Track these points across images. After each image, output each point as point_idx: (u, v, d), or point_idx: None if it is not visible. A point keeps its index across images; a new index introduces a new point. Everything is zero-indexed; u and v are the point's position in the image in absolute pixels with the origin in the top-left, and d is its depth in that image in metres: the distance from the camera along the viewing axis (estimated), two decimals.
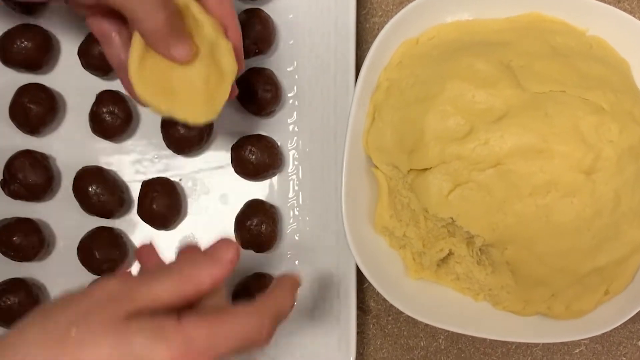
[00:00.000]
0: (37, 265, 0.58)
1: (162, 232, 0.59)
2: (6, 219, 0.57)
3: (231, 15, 0.48)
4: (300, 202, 0.59)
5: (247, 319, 0.39)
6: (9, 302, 0.55)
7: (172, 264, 0.40)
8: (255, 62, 0.59)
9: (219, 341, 0.37)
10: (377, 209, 0.55)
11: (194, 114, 0.47)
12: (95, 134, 0.58)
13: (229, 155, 0.58)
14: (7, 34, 0.56)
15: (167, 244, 0.59)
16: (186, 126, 0.56)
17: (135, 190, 0.58)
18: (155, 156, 0.59)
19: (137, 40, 0.45)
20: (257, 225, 0.57)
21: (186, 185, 0.59)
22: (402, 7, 0.53)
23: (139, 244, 0.56)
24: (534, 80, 0.50)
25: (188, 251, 0.42)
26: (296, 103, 0.59)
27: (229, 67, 0.47)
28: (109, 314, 0.36)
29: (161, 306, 0.37)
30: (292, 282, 0.44)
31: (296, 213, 0.59)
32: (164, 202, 0.56)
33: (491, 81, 0.50)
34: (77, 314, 0.36)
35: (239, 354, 0.39)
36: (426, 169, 0.50)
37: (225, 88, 0.47)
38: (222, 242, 0.41)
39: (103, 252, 0.56)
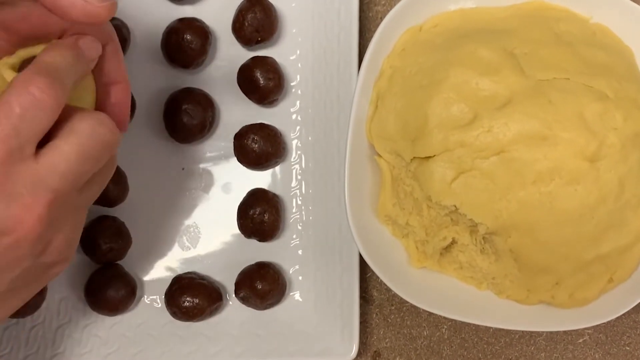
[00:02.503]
0: None
1: (163, 223, 0.59)
2: None
3: (118, 70, 0.46)
4: (303, 191, 0.59)
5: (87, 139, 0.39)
6: None
7: None
8: (258, 50, 0.59)
9: (61, 178, 0.38)
10: (380, 197, 0.54)
11: None
12: None
13: (232, 144, 0.58)
14: None
15: (169, 234, 0.59)
16: (188, 115, 0.56)
17: (136, 180, 0.58)
18: (158, 145, 0.59)
19: None
20: (260, 214, 0.57)
21: (189, 175, 0.59)
22: None
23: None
24: (537, 68, 0.50)
25: None
26: (299, 92, 0.59)
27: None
28: None
29: None
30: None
31: (299, 202, 0.59)
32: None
33: (495, 68, 0.50)
34: None
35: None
36: (429, 157, 0.50)
37: None
38: None
39: (106, 241, 0.56)
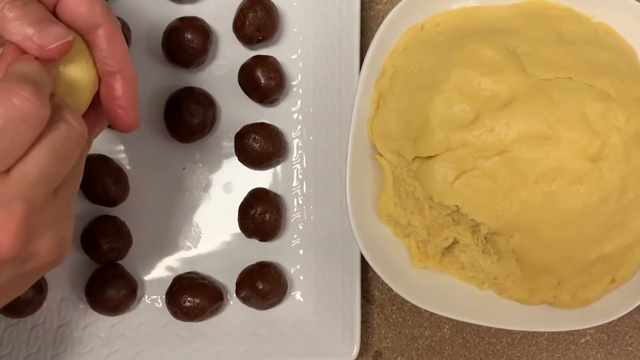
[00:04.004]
0: None
1: (164, 223, 0.59)
2: None
3: (118, 59, 0.42)
4: (305, 190, 0.59)
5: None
6: None
7: None
8: (259, 49, 0.58)
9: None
10: (382, 197, 0.54)
11: None
12: None
13: (233, 143, 0.58)
14: None
15: (170, 234, 0.59)
16: (189, 114, 0.56)
17: (137, 180, 0.58)
18: (159, 144, 0.59)
19: None
20: (261, 214, 0.56)
21: (189, 174, 0.59)
22: None
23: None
24: (540, 67, 0.50)
25: None
26: (300, 91, 0.59)
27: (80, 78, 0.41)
28: None
29: None
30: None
31: (300, 202, 0.59)
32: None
33: (497, 68, 0.49)
34: None
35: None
36: (431, 157, 0.50)
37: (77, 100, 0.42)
38: None
39: (107, 241, 0.56)
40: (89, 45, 0.42)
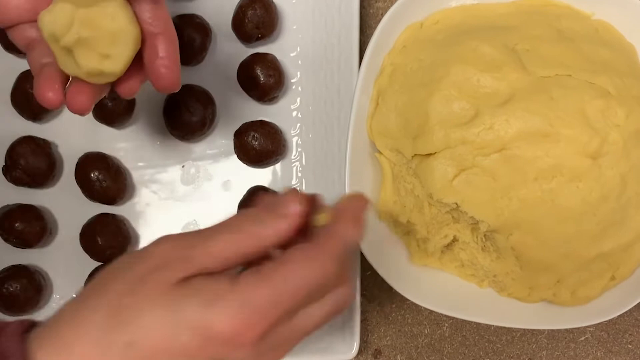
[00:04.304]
0: (39, 251, 0.58)
1: (163, 220, 0.59)
2: (8, 205, 0.56)
3: (163, 21, 0.44)
4: (304, 188, 0.59)
5: (307, 266, 0.35)
6: (11, 289, 0.55)
7: (231, 219, 0.38)
8: (258, 47, 0.58)
9: (281, 298, 0.35)
10: (381, 194, 0.54)
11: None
12: (98, 120, 0.57)
13: (232, 141, 0.58)
14: None
15: (169, 232, 0.58)
16: (188, 112, 0.56)
17: (135, 178, 0.58)
18: (158, 142, 0.59)
19: None
20: None
21: (189, 172, 0.59)
22: None
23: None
24: (539, 64, 0.50)
25: (250, 205, 0.39)
26: (299, 89, 0.59)
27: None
28: (162, 280, 0.34)
29: (220, 266, 0.36)
30: (355, 206, 0.40)
31: None
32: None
33: (496, 65, 0.49)
34: (130, 282, 0.35)
35: (310, 307, 0.37)
36: (430, 154, 0.50)
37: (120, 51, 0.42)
38: (287, 195, 0.37)
39: (106, 239, 0.56)
40: (135, 8, 0.43)
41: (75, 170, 0.57)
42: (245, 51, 0.58)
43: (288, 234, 0.37)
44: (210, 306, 0.34)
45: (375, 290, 0.60)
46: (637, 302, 0.51)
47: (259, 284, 0.35)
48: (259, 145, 0.56)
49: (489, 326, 0.60)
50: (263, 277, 0.35)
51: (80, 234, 0.57)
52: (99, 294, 0.35)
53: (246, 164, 0.58)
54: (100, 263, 0.57)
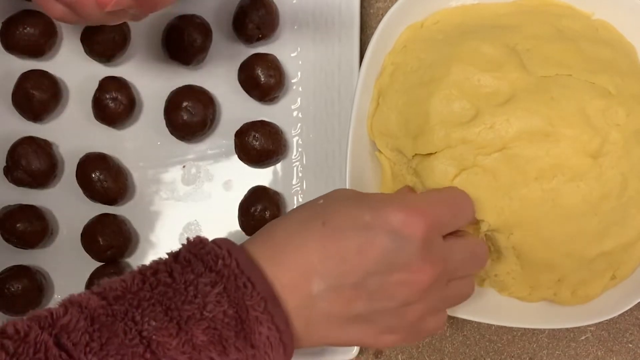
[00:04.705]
0: (41, 252, 0.58)
1: (164, 221, 0.59)
2: (9, 205, 0.57)
3: None
4: (305, 188, 0.59)
5: (452, 191, 0.48)
6: (12, 289, 0.55)
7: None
8: (259, 47, 0.58)
9: (436, 206, 0.44)
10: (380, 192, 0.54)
11: None
12: (98, 121, 0.57)
13: (233, 141, 0.58)
14: (10, 20, 0.56)
15: (170, 232, 0.59)
16: (189, 112, 0.56)
17: (136, 178, 0.58)
18: (159, 142, 0.59)
19: None
20: (261, 211, 0.56)
21: (190, 172, 0.59)
22: None
23: None
24: (540, 64, 0.50)
25: None
26: (300, 89, 0.59)
27: None
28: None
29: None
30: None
31: (300, 200, 0.59)
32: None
33: (497, 65, 0.49)
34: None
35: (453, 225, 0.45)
36: (431, 154, 0.50)
37: None
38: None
39: (107, 239, 0.56)
40: None
41: (76, 171, 0.57)
42: (246, 51, 0.58)
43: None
44: (389, 198, 0.44)
45: None
46: (638, 301, 0.51)
47: (419, 196, 0.48)
48: (260, 145, 0.57)
49: (489, 325, 0.60)
50: (422, 193, 0.49)
51: (81, 234, 0.57)
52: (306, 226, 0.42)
53: (247, 164, 0.58)
54: (101, 263, 0.57)
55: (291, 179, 0.59)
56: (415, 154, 0.51)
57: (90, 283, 0.56)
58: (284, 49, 0.59)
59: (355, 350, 0.56)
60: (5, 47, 0.57)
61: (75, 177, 0.57)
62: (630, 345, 0.60)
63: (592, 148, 0.48)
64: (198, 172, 0.59)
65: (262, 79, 0.56)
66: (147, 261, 0.57)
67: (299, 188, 0.59)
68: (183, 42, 0.56)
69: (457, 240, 0.46)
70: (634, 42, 0.54)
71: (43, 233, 0.56)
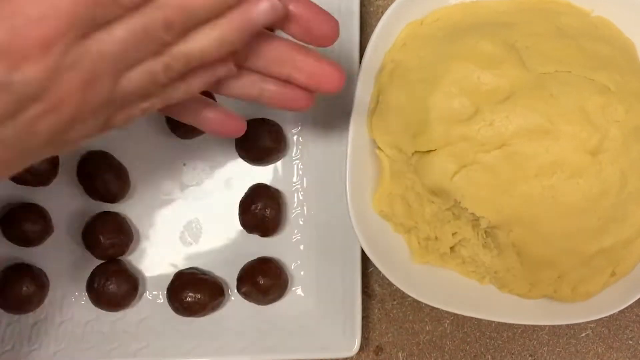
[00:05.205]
0: (42, 250, 0.58)
1: (165, 219, 0.59)
2: (11, 203, 0.57)
3: None
4: (305, 186, 0.59)
5: None
6: (13, 287, 0.55)
7: None
8: None
9: None
10: (378, 190, 0.54)
11: None
12: None
13: (233, 139, 0.58)
14: None
15: (171, 230, 0.59)
16: None
17: (137, 176, 0.58)
18: (159, 140, 0.59)
19: None
20: (261, 209, 0.56)
21: (190, 170, 0.59)
22: None
23: None
24: (539, 61, 0.50)
25: None
26: None
27: None
28: None
29: None
30: None
31: (300, 197, 0.59)
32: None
33: (496, 62, 0.49)
34: None
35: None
36: (431, 151, 0.50)
37: None
38: None
39: (108, 237, 0.56)
40: None
41: (77, 169, 0.57)
42: None
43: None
44: None
45: (376, 287, 0.60)
46: (638, 298, 0.51)
47: None
48: (261, 143, 0.57)
49: (490, 323, 0.60)
50: None
51: (82, 232, 0.57)
52: None
53: (247, 161, 0.58)
54: (102, 261, 0.57)
55: (291, 176, 0.59)
56: (415, 151, 0.51)
57: (91, 281, 0.56)
58: None
59: (355, 347, 0.56)
60: None
61: (76, 175, 0.57)
62: (631, 342, 0.61)
63: (592, 145, 0.48)
64: (198, 170, 0.59)
65: None
66: (148, 260, 0.59)
67: (299, 186, 0.59)
68: None
69: None
70: (633, 39, 0.54)
71: (44, 231, 0.56)
